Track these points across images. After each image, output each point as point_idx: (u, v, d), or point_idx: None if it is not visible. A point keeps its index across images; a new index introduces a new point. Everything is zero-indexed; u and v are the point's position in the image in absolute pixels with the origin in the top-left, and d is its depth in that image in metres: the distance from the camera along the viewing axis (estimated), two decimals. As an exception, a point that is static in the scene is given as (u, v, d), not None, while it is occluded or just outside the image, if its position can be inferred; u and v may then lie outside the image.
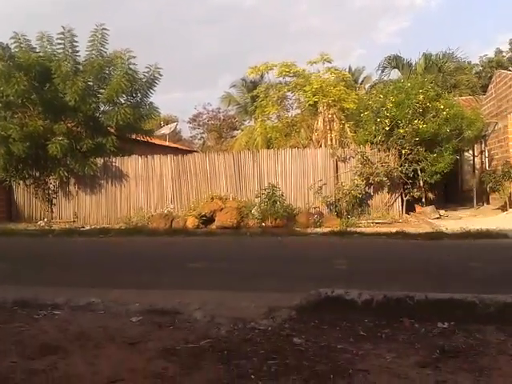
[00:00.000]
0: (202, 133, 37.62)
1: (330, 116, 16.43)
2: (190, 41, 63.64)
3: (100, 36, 15.42)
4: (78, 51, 15.56)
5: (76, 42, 15.42)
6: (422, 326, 3.90)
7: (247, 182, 14.79)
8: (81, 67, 15.48)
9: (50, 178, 15.68)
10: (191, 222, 13.49)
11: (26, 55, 14.84)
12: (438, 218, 13.53)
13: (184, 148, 27.89)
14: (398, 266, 7.34)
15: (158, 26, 64.50)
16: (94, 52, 15.55)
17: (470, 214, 14.78)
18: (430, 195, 14.93)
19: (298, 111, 19.50)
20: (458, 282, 5.85)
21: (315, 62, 17.61)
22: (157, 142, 21.95)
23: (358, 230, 12.11)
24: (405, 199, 14.33)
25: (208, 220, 13.64)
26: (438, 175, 14.00)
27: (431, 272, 6.75)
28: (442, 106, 14.26)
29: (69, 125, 15.29)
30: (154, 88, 16.17)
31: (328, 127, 16.32)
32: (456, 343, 3.53)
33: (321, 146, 15.94)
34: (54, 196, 15.88)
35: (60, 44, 15.34)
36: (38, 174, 15.84)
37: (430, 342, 3.58)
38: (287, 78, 18.33)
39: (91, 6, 56.12)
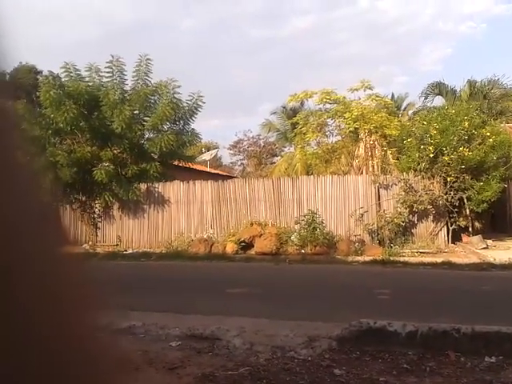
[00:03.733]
0: (242, 159, 37.99)
1: (371, 143, 16.30)
2: (231, 70, 65.01)
3: (144, 66, 16.01)
4: (125, 79, 16.17)
5: (124, 70, 16.04)
6: (469, 360, 3.75)
7: (287, 208, 14.75)
8: (127, 96, 16.05)
9: (96, 202, 16.10)
10: (230, 248, 13.53)
11: (75, 84, 15.51)
12: (485, 248, 13.03)
13: (224, 174, 28.21)
14: (444, 297, 7.09)
15: (199, 56, 66.32)
16: (139, 82, 16.13)
17: (519, 244, 14.17)
18: (477, 224, 14.45)
19: (339, 138, 19.44)
20: (506, 315, 5.59)
21: (356, 89, 17.58)
22: (198, 167, 22.33)
23: (402, 259, 11.82)
24: (450, 228, 13.90)
25: (247, 246, 13.65)
26: (485, 204, 13.56)
27: (478, 304, 6.49)
28: (488, 133, 13.91)
29: (115, 151, 15.78)
30: (196, 115, 16.59)
31: (369, 154, 16.17)
32: (505, 379, 3.37)
33: (362, 172, 15.79)
34: (99, 220, 16.29)
35: (108, 73, 15.98)
36: (84, 199, 16.30)
37: (477, 376, 3.44)
38: (327, 105, 18.38)
39: (129, 36, 58.34)
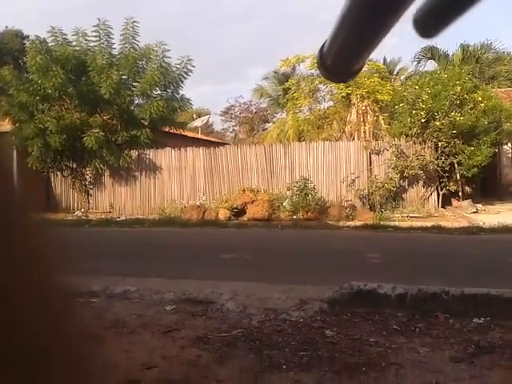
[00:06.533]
0: (234, 125, 37.66)
1: (363, 108, 16.19)
2: (222, 34, 63.74)
3: (131, 29, 15.64)
4: (113, 43, 15.84)
5: (112, 34, 15.69)
6: (457, 321, 3.84)
7: (279, 175, 14.76)
8: (115, 60, 15.74)
9: (87, 169, 16.01)
10: (223, 214, 13.58)
11: (62, 49, 15.17)
12: (475, 213, 13.20)
13: (216, 140, 28.00)
14: (434, 261, 7.21)
15: (188, 22, 64.87)
16: (126, 45, 15.78)
17: (509, 208, 14.33)
18: (467, 189, 14.57)
19: (331, 103, 19.32)
20: (494, 277, 5.71)
21: (348, 54, 17.30)
22: (189, 134, 22.12)
23: (392, 223, 11.95)
24: (441, 193, 14.02)
25: (239, 212, 13.70)
26: (476, 169, 13.64)
27: (467, 266, 6.62)
28: (480, 98, 13.86)
29: (104, 117, 15.57)
30: (186, 80, 16.32)
31: (361, 119, 16.09)
32: (492, 339, 3.47)
33: (354, 138, 15.75)
34: (91, 187, 16.23)
35: (95, 37, 15.64)
36: (74, 166, 16.20)
37: (465, 337, 3.53)
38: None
39: (117, 1, 56.80)
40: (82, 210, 15.72)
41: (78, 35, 15.79)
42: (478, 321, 3.85)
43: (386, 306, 4.16)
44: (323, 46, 0.59)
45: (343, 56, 0.58)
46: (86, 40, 15.82)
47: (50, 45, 15.54)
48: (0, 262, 0.33)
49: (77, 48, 15.72)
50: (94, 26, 15.45)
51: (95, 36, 15.61)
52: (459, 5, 0.46)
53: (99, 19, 15.44)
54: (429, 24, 0.50)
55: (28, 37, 23.62)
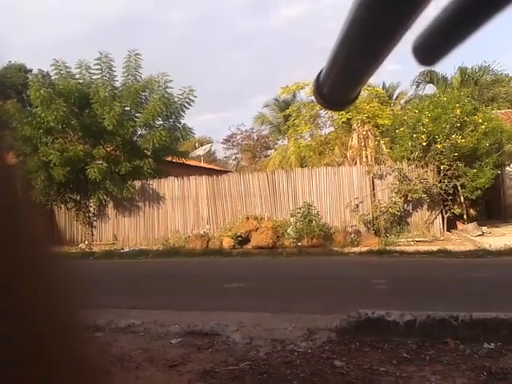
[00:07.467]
0: (236, 153, 37.91)
1: (364, 133, 16.28)
2: (221, 62, 64.72)
3: (134, 61, 15.94)
4: (115, 76, 16.11)
5: (114, 67, 16.00)
6: (468, 347, 3.78)
7: (282, 202, 14.75)
8: (118, 92, 15.96)
9: (91, 201, 16.04)
10: (227, 243, 13.53)
11: (65, 82, 15.42)
12: (480, 235, 13.10)
13: (219, 168, 28.15)
14: (441, 285, 7.14)
15: (188, 50, 65.97)
16: (129, 77, 16.06)
17: (514, 230, 14.25)
18: (472, 211, 14.50)
19: (332, 129, 19.43)
20: (503, 301, 5.63)
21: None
22: (192, 163, 22.27)
23: (398, 248, 11.88)
24: (445, 216, 13.96)
25: (244, 240, 13.65)
26: (479, 191, 13.61)
27: (475, 291, 6.53)
28: (480, 120, 13.93)
29: (107, 149, 15.70)
30: (189, 110, 16.53)
31: (363, 144, 16.16)
32: (504, 365, 3.40)
33: (356, 163, 15.79)
34: (95, 219, 16.24)
35: (98, 70, 15.92)
36: (78, 198, 16.24)
37: (477, 363, 3.46)
38: (319, 96, 18.29)
39: (117, 30, 57.90)
40: (86, 242, 15.70)
41: (81, 68, 16.07)
42: (489, 346, 3.79)
43: (394, 333, 4.10)
44: (319, 74, 0.60)
45: (339, 84, 0.58)
46: (89, 73, 16.10)
47: (53, 78, 15.84)
48: (16, 292, 0.33)
49: (80, 81, 15.98)
50: (96, 59, 15.77)
51: (98, 69, 15.90)
52: (459, 32, 0.47)
53: (101, 52, 15.78)
54: (428, 52, 0.50)
55: (31, 71, 24.06)
